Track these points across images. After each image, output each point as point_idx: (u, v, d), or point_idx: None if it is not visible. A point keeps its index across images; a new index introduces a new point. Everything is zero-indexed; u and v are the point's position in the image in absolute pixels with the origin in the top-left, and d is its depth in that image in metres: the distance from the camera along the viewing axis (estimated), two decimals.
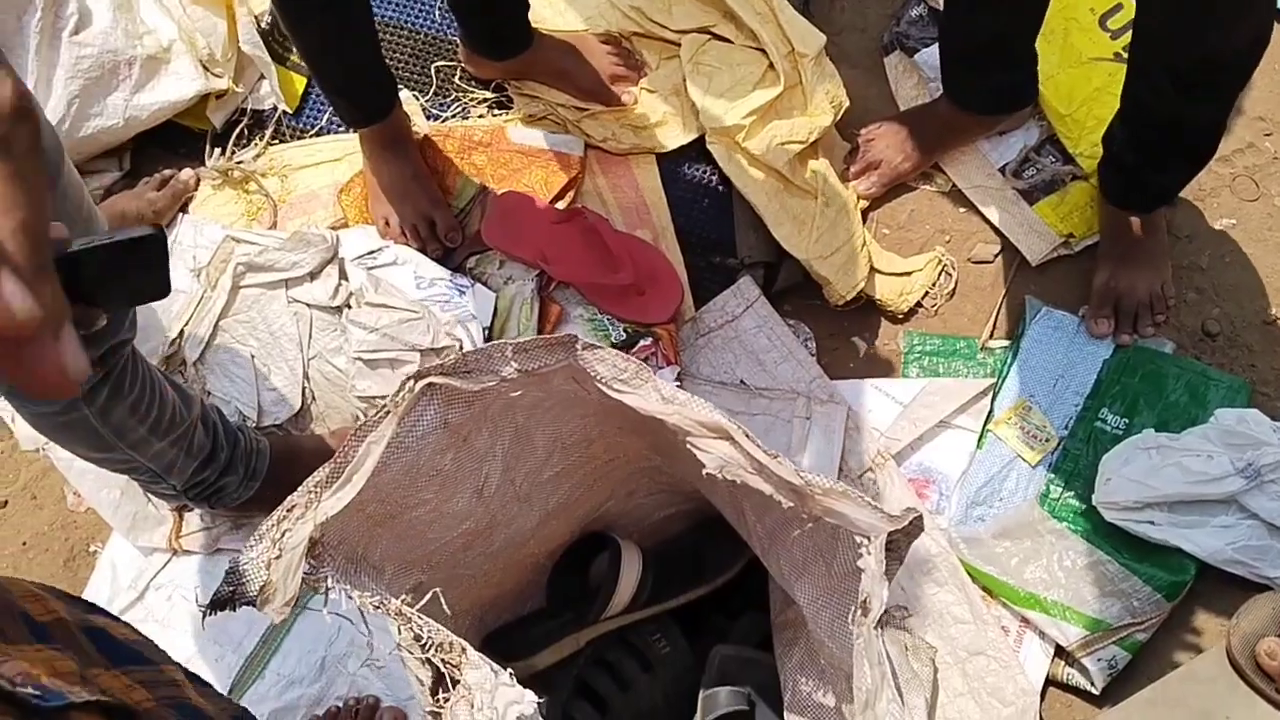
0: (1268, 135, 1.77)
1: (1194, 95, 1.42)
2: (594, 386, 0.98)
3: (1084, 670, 1.44)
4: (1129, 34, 1.76)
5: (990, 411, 1.61)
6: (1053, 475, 1.55)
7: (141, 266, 0.73)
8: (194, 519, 1.62)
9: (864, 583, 0.84)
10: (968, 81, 1.68)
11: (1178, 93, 1.41)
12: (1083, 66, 1.79)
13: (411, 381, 0.93)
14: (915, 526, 0.84)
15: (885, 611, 0.85)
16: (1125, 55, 1.78)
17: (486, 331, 1.67)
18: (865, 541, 0.84)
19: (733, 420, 0.92)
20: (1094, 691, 1.43)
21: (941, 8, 1.81)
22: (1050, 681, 1.47)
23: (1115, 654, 1.43)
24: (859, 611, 0.84)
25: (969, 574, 1.50)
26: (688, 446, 0.95)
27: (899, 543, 0.85)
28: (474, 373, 0.95)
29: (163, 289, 0.74)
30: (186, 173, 1.83)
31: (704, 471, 0.93)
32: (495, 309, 1.70)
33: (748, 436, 0.90)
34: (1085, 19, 1.82)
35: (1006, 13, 1.56)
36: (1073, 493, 1.53)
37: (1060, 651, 1.46)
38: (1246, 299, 1.67)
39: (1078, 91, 1.78)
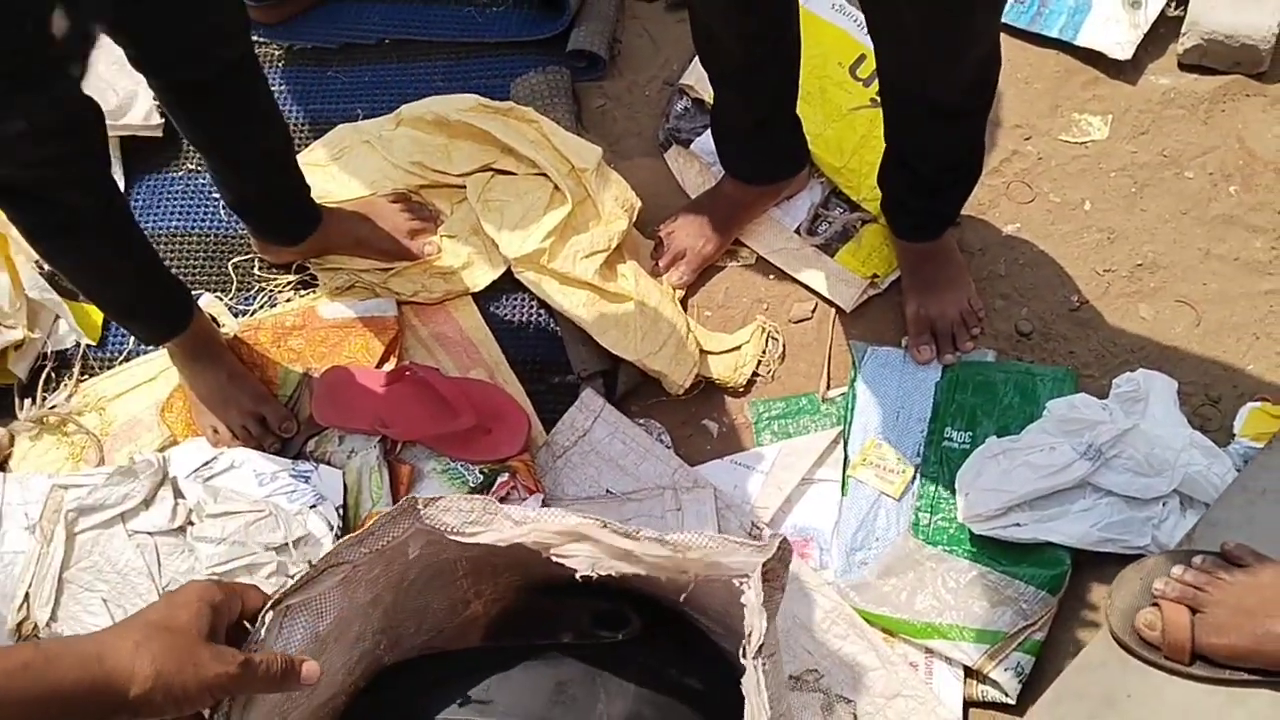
0: (1027, 139, 1.89)
1: (947, 121, 1.50)
2: (449, 541, 0.97)
3: (996, 684, 1.46)
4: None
5: (845, 458, 1.65)
6: (918, 503, 1.59)
7: None
8: None
9: (747, 617, 0.85)
10: (742, 156, 1.75)
11: (932, 122, 1.49)
12: (845, 118, 1.89)
13: (265, 614, 0.90)
14: (784, 550, 0.87)
15: (775, 652, 0.87)
16: (879, 101, 1.89)
17: (340, 510, 1.64)
18: (745, 579, 0.86)
19: (585, 517, 0.93)
20: (1010, 701, 1.45)
21: (705, 98, 1.90)
22: (969, 704, 1.48)
23: (1019, 660, 1.45)
24: (745, 645, 0.85)
25: (865, 620, 1.52)
26: (554, 559, 0.95)
27: (775, 570, 0.86)
28: (323, 574, 0.94)
29: None
30: None
31: (578, 575, 0.93)
32: (344, 485, 1.67)
33: (605, 526, 0.92)
34: (837, 74, 1.93)
35: (763, 90, 1.65)
36: (940, 515, 1.57)
37: (970, 672, 1.48)
38: (1049, 292, 1.77)
39: (846, 142, 1.87)
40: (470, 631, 1.24)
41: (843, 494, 1.62)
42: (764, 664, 0.86)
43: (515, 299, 1.85)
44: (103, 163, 1.39)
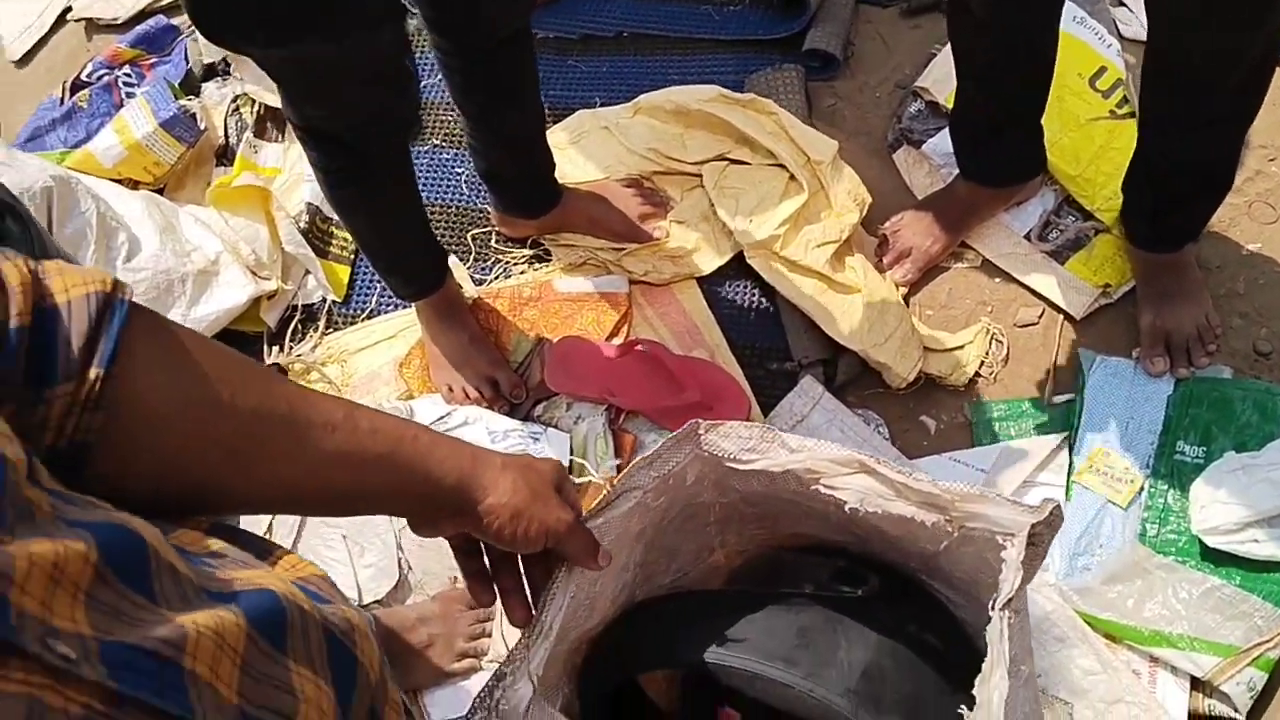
0: (1271, 160, 1.85)
1: (1207, 127, 1.48)
2: (724, 470, 1.01)
3: (1225, 697, 1.43)
4: (1119, 91, 1.88)
5: (1070, 464, 1.64)
6: (1146, 514, 1.57)
7: None
8: None
9: (1004, 571, 0.86)
10: (982, 158, 1.76)
11: (1190, 127, 1.48)
12: (1083, 128, 1.89)
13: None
14: (1055, 516, 0.86)
15: (1022, 611, 0.88)
16: (1119, 113, 1.88)
17: (572, 457, 1.71)
18: (1010, 536, 0.87)
19: (860, 450, 0.95)
20: (1239, 717, 1.42)
21: (940, 100, 1.92)
22: (1194, 716, 1.45)
23: (1252, 676, 1.42)
24: (994, 598, 0.86)
25: (1088, 624, 1.50)
26: (823, 491, 0.97)
27: (1041, 534, 0.87)
28: (620, 498, 0.99)
29: None
30: None
31: (846, 508, 0.95)
32: (571, 448, 1.74)
33: (879, 461, 0.93)
34: (1076, 84, 1.92)
35: (1013, 91, 1.66)
36: (1170, 527, 1.55)
37: (1196, 683, 1.45)
38: None
39: (1083, 152, 1.86)
40: (712, 579, 1.28)
41: (1067, 499, 1.61)
42: (1009, 616, 0.86)
43: (738, 285, 1.89)
44: (408, 121, 1.49)
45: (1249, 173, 1.84)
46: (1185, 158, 1.55)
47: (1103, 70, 1.94)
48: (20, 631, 0.38)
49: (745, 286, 1.89)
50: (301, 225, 2.00)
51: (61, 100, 2.30)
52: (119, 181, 2.07)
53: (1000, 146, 1.75)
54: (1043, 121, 1.76)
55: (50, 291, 0.55)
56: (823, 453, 0.96)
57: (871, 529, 1.02)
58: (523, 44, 1.58)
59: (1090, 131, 1.88)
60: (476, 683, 1.60)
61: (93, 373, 0.55)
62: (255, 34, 1.19)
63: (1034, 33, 1.57)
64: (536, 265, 1.96)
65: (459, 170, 2.06)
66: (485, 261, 1.98)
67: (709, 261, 1.89)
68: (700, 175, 1.93)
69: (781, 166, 1.86)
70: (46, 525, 0.44)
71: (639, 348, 1.78)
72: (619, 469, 1.71)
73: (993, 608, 0.87)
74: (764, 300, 1.87)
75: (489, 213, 1.97)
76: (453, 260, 1.94)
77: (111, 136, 2.09)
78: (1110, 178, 1.82)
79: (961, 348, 1.77)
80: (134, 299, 0.58)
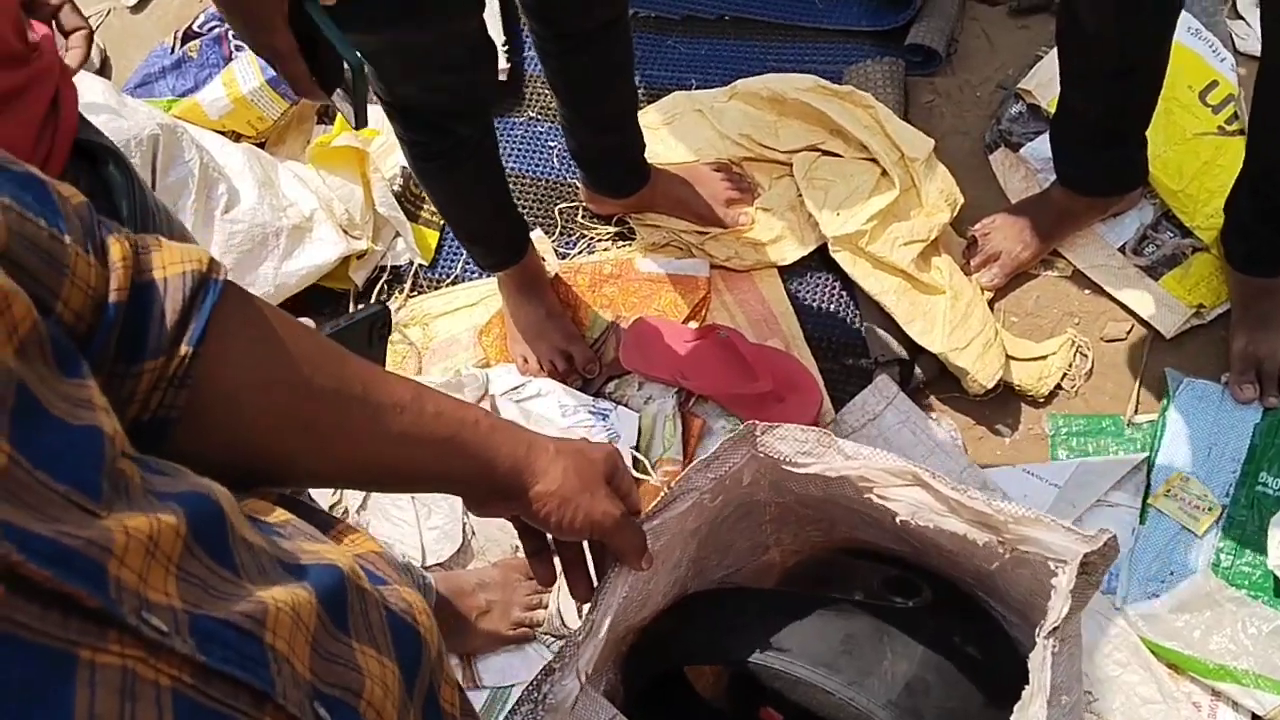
0: None
1: None
2: (781, 472, 1.01)
3: None
4: (1230, 107, 1.82)
5: (1147, 486, 1.60)
6: (1222, 544, 1.53)
7: (365, 349, 0.85)
8: None
9: (1053, 599, 0.84)
10: (1082, 166, 1.72)
11: None
12: (1188, 142, 1.83)
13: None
14: (1110, 548, 0.84)
15: (1071, 641, 0.86)
16: (1229, 129, 1.82)
17: (633, 451, 1.72)
18: (1062, 564, 0.85)
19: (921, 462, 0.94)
20: None
21: (1043, 104, 1.88)
22: None
23: None
24: (1041, 624, 0.85)
25: (1152, 652, 1.47)
26: (875, 500, 0.96)
27: (1095, 564, 0.85)
28: (678, 499, 0.99)
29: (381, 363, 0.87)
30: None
31: (897, 519, 0.95)
32: (639, 428, 1.75)
33: (935, 477, 0.92)
34: (1185, 97, 1.86)
35: (1122, 99, 1.61)
36: (1245, 559, 1.50)
37: None
38: None
39: (1187, 167, 1.81)
40: (765, 576, 1.28)
41: (1141, 522, 1.58)
42: (1054, 645, 0.85)
43: (820, 277, 1.88)
44: (489, 100, 1.51)
45: None
46: None
47: (1214, 84, 1.87)
48: (120, 604, 0.39)
49: (827, 279, 1.87)
50: (395, 188, 2.03)
51: (172, 49, 2.36)
52: (223, 133, 2.12)
53: (1102, 156, 1.71)
54: (1148, 133, 1.71)
55: (149, 266, 0.56)
56: (878, 462, 0.95)
57: (928, 540, 1.01)
58: (619, 31, 1.58)
59: (1196, 146, 1.82)
60: (530, 654, 1.62)
61: (182, 349, 0.56)
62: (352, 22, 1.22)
63: (1147, 45, 1.53)
64: (620, 243, 1.97)
65: (552, 144, 2.07)
66: (571, 236, 2.00)
67: (792, 251, 1.88)
68: (790, 164, 1.91)
69: (874, 161, 1.84)
70: (139, 498, 0.46)
71: (715, 333, 1.78)
72: (685, 455, 1.72)
73: (1037, 634, 0.86)
74: (845, 294, 1.85)
75: (579, 188, 1.98)
76: (538, 233, 1.96)
77: (219, 89, 2.14)
78: (1213, 195, 1.77)
79: (1045, 358, 1.74)
80: (228, 277, 0.60)
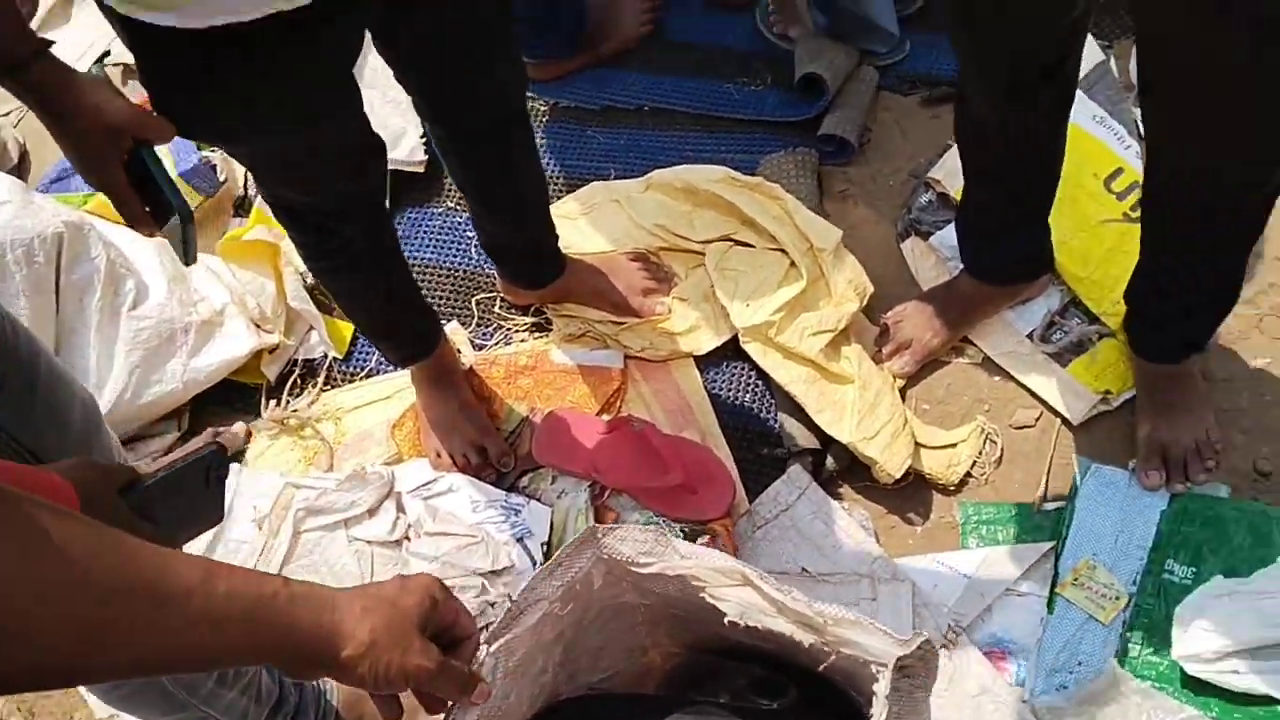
0: None
1: (1211, 242, 1.46)
2: (628, 581, 1.01)
3: None
4: (1135, 194, 1.85)
5: (1055, 574, 1.60)
6: (1129, 633, 1.52)
7: (201, 490, 0.83)
8: None
9: (875, 704, 0.85)
10: (986, 254, 1.74)
11: (1194, 241, 1.45)
12: (1094, 229, 1.86)
13: (483, 654, 0.95)
14: (926, 652, 0.86)
15: None
16: (1134, 215, 1.85)
17: (545, 546, 1.70)
18: (882, 667, 0.86)
19: (747, 565, 0.96)
20: None
21: (951, 193, 1.90)
22: None
23: None
24: None
25: None
26: (708, 601, 0.97)
27: (914, 668, 0.86)
28: (525, 612, 0.98)
29: (219, 515, 0.85)
30: (238, 426, 1.92)
31: (725, 620, 0.96)
32: (551, 524, 1.73)
33: (761, 578, 0.93)
34: (1090, 184, 1.89)
35: (1020, 190, 1.64)
36: (1152, 649, 1.50)
37: None
38: None
39: (1092, 253, 1.84)
40: (646, 679, 1.26)
41: (1048, 611, 1.57)
42: None
43: (736, 367, 1.88)
44: (380, 199, 1.51)
45: (1262, 285, 1.80)
46: (1190, 267, 1.52)
47: (1119, 171, 1.91)
48: None
49: (743, 369, 1.88)
50: (308, 282, 2.02)
51: None
52: None
53: (1005, 244, 1.73)
54: (1052, 221, 1.73)
55: None
56: (709, 561, 0.97)
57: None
58: (516, 129, 1.59)
59: (1101, 233, 1.85)
60: None
61: None
62: (217, 139, 1.23)
63: (1042, 135, 1.55)
64: (538, 334, 1.97)
65: (469, 235, 2.07)
66: (488, 327, 1.99)
67: (708, 341, 1.88)
68: (704, 254, 1.92)
69: (784, 252, 1.86)
70: None
71: (629, 425, 1.77)
72: None
73: None
74: (760, 384, 1.86)
75: (496, 279, 1.98)
76: (454, 325, 1.96)
77: None
78: (1119, 281, 1.78)
79: (955, 446, 1.74)
80: None
